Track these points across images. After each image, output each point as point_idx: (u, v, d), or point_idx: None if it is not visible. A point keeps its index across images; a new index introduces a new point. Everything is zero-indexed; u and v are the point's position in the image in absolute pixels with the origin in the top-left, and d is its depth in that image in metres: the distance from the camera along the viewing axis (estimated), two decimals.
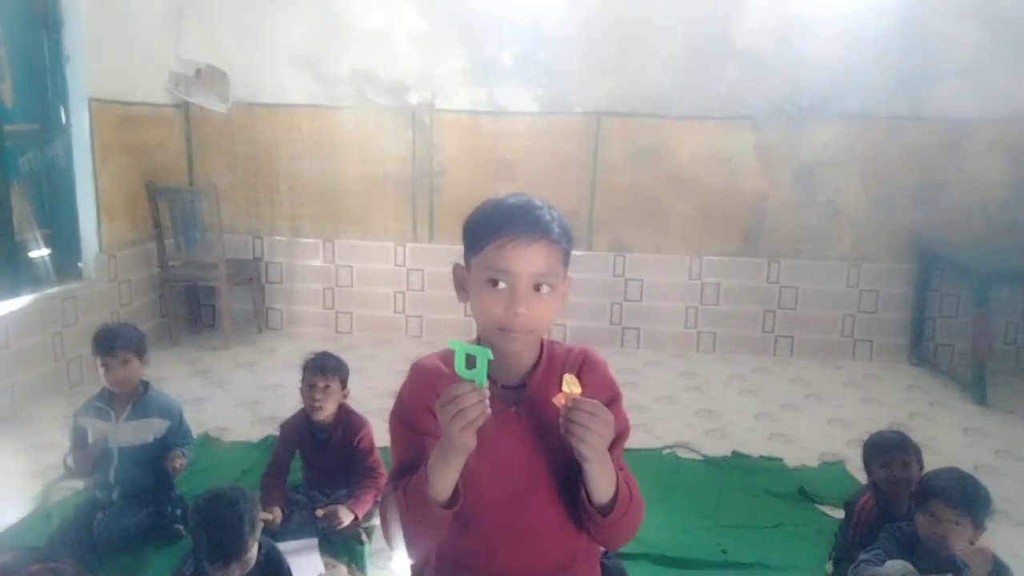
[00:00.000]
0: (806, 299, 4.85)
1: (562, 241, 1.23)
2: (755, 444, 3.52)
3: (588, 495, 1.20)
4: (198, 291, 5.02)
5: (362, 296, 5.10)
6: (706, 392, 4.24)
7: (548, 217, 1.22)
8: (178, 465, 2.46)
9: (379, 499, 2.57)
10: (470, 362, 1.10)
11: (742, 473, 3.22)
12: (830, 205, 4.75)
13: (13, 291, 3.73)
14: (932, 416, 3.92)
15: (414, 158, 4.97)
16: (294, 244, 5.09)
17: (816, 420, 3.86)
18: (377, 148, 4.97)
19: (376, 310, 5.10)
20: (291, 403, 2.80)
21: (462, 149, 4.94)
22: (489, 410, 1.09)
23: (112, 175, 4.33)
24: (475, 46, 4.82)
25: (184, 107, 4.96)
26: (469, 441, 1.09)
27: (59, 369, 3.87)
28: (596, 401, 1.14)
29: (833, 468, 3.28)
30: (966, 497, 2.00)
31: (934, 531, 2.00)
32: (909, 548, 2.05)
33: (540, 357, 1.29)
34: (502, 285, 1.18)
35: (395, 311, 5.10)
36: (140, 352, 2.48)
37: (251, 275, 4.95)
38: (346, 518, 2.46)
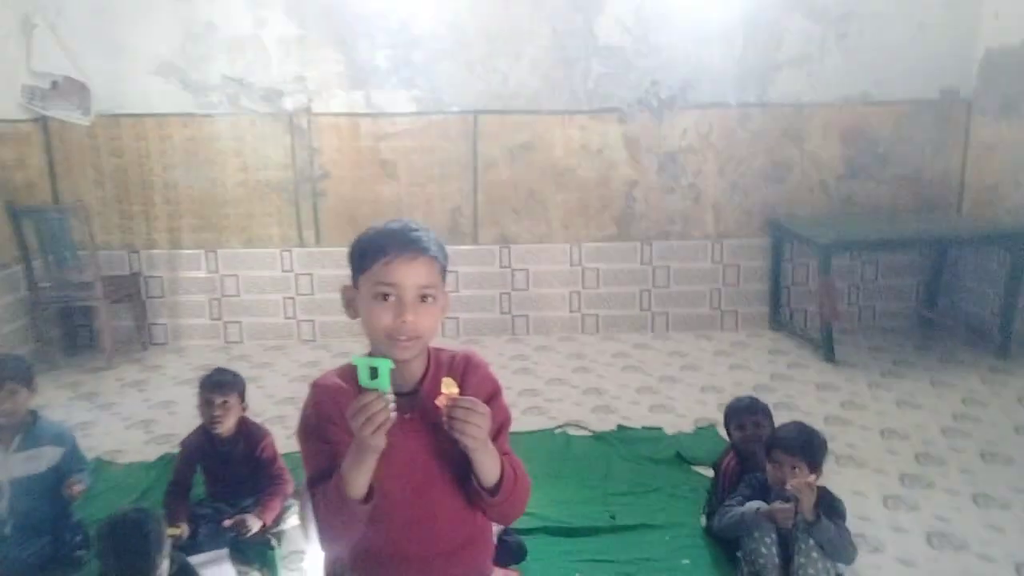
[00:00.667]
0: (677, 277, 5.22)
1: (439, 257, 1.41)
2: (638, 416, 3.81)
3: (477, 480, 1.38)
4: (73, 312, 4.82)
5: (250, 304, 5.07)
6: (593, 371, 4.52)
7: (426, 237, 1.41)
8: (75, 491, 2.44)
9: (287, 505, 2.70)
10: (372, 374, 1.25)
11: (626, 444, 3.50)
12: (692, 188, 5.13)
13: None
14: (790, 376, 4.36)
15: (294, 163, 4.97)
16: (174, 256, 4.98)
17: (691, 389, 4.20)
18: (255, 154, 4.93)
19: (266, 317, 5.08)
20: (185, 419, 2.83)
21: (343, 151, 4.98)
22: (395, 412, 1.26)
23: None
24: (348, 49, 4.86)
25: (42, 121, 4.74)
26: (380, 442, 1.25)
27: None
28: (471, 398, 1.32)
29: (706, 432, 3.61)
30: (801, 444, 2.34)
31: (777, 476, 2.34)
32: (763, 493, 2.38)
33: (428, 365, 1.46)
34: (391, 298, 1.35)
35: (286, 317, 5.10)
36: (28, 382, 2.45)
37: (130, 291, 4.81)
38: (254, 525, 2.53)
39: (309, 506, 1.39)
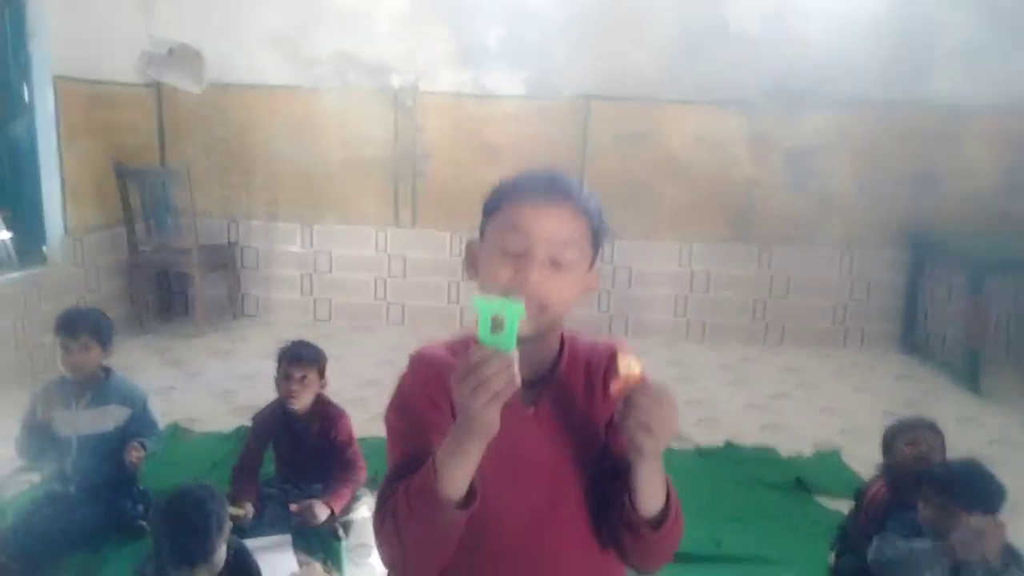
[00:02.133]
0: (797, 287, 4.76)
1: (590, 213, 1.06)
2: (747, 434, 3.43)
3: (632, 505, 1.00)
4: (170, 277, 4.83)
5: (342, 282, 4.94)
6: (695, 382, 4.14)
7: (577, 185, 1.07)
8: (134, 457, 2.29)
9: (358, 494, 2.48)
10: (495, 325, 0.90)
11: (735, 464, 3.12)
12: (822, 191, 4.66)
13: None
14: (925, 405, 3.83)
15: (396, 142, 4.82)
16: (271, 229, 4.92)
17: (808, 409, 3.78)
18: (358, 131, 4.81)
19: (356, 297, 4.94)
20: (266, 393, 2.65)
21: (446, 133, 4.79)
22: (518, 379, 0.89)
23: (79, 156, 4.13)
24: (460, 27, 4.67)
25: (156, 87, 4.76)
26: (493, 419, 0.89)
27: (20, 358, 3.67)
28: (662, 385, 0.95)
29: (829, 457, 3.19)
30: (965, 489, 1.90)
31: (928, 519, 1.91)
32: (918, 535, 1.95)
33: (561, 350, 1.12)
34: (516, 251, 1.02)
35: (376, 298, 4.95)
36: (104, 340, 2.33)
37: (225, 261, 4.77)
38: (322, 513, 2.32)
39: (386, 506, 1.00)
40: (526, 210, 1.02)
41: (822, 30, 4.48)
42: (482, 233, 1.10)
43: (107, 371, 2.42)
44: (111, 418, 2.33)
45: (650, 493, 1.00)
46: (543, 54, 4.65)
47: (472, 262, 1.11)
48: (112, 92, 4.44)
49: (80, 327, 2.29)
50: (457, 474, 0.93)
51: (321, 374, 2.53)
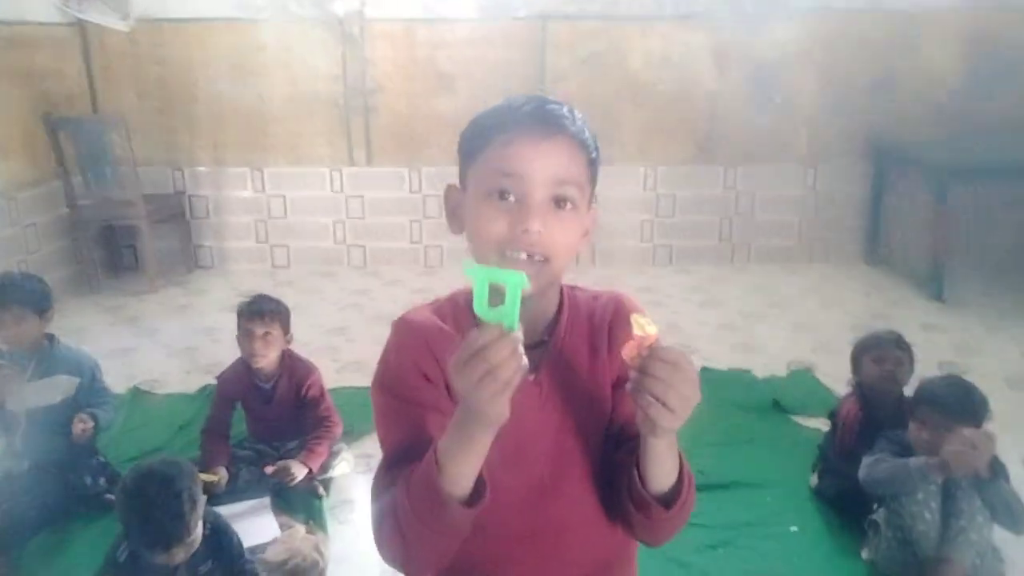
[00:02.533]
0: (763, 204, 4.72)
1: (588, 145, 0.94)
2: (721, 356, 3.42)
3: (643, 481, 0.91)
4: (115, 232, 4.57)
5: (298, 227, 4.76)
6: (667, 306, 4.12)
7: (569, 112, 0.94)
8: (79, 430, 2.15)
9: (335, 449, 2.41)
10: (494, 297, 0.79)
11: (711, 387, 3.08)
12: (785, 106, 4.57)
13: None
14: (891, 315, 3.88)
15: (345, 75, 4.57)
16: (219, 175, 4.68)
17: (780, 327, 3.78)
18: (304, 65, 4.55)
19: (315, 241, 4.77)
20: (230, 348, 2.54)
21: (397, 63, 4.56)
22: (527, 363, 0.78)
23: (2, 106, 3.83)
24: None
25: (79, 26, 4.41)
26: (503, 410, 0.78)
27: None
28: (679, 351, 0.83)
29: (803, 376, 3.20)
30: (960, 403, 1.91)
31: (923, 438, 1.92)
32: (907, 455, 1.96)
33: (560, 307, 1.01)
34: (511, 197, 0.89)
35: (335, 242, 4.78)
36: (40, 307, 2.18)
37: (174, 211, 4.54)
38: (299, 472, 2.25)
39: (383, 503, 0.90)
40: (517, 148, 0.89)
41: None
42: (462, 179, 0.97)
43: (51, 339, 2.27)
44: (58, 389, 2.18)
45: (662, 470, 0.90)
46: None
47: (454, 213, 0.98)
48: (31, 33, 4.10)
49: (11, 298, 2.14)
50: (463, 469, 0.83)
51: (285, 329, 2.41)
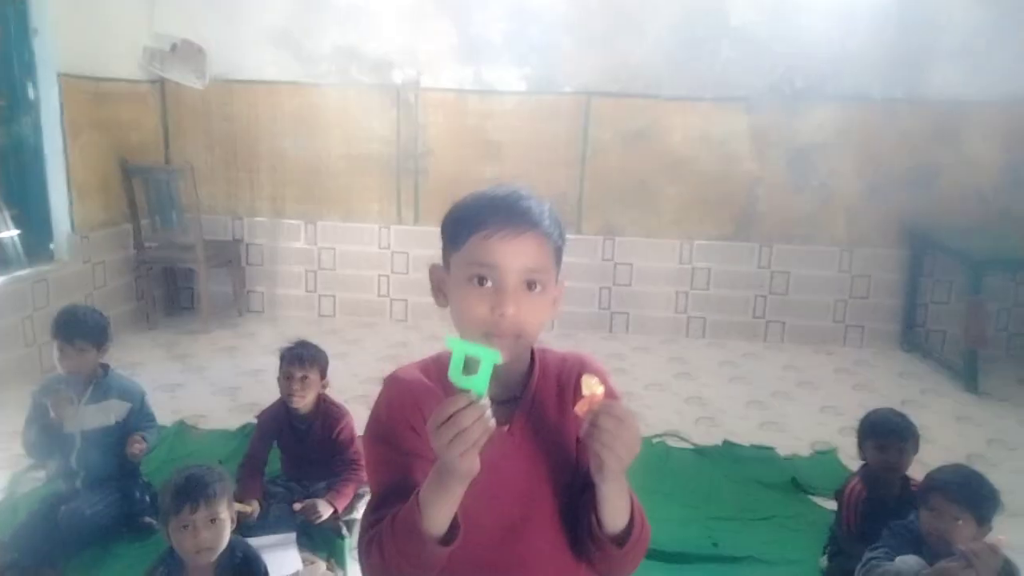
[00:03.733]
0: (798, 284, 4.78)
1: (554, 235, 1.09)
2: (746, 433, 3.45)
3: (599, 522, 1.04)
4: (175, 273, 4.87)
5: (345, 279, 4.98)
6: (696, 379, 4.17)
7: (538, 208, 1.09)
8: (136, 450, 2.35)
9: (360, 492, 2.52)
10: (468, 367, 0.93)
11: (733, 463, 3.15)
12: (823, 189, 4.67)
13: None
14: (924, 403, 3.87)
15: (399, 138, 4.83)
16: (275, 225, 4.95)
17: (808, 408, 3.79)
18: (360, 127, 4.83)
19: (360, 293, 4.98)
20: (272, 389, 2.69)
21: (448, 129, 4.81)
22: (493, 424, 0.92)
23: (84, 153, 4.17)
24: (462, 22, 4.67)
25: (159, 83, 4.78)
26: (472, 465, 0.93)
27: (30, 355, 3.72)
28: (624, 406, 0.98)
29: (825, 457, 3.22)
30: (969, 493, 1.93)
31: (936, 527, 1.93)
32: (915, 545, 1.98)
33: (532, 367, 1.15)
34: (488, 283, 1.05)
35: (379, 294, 4.98)
36: (99, 341, 2.38)
37: (230, 257, 4.81)
38: (325, 511, 2.37)
39: (370, 540, 1.03)
40: (494, 243, 1.04)
41: (823, 26, 4.47)
42: (445, 261, 1.13)
43: (105, 368, 2.47)
44: (112, 412, 2.38)
45: (615, 511, 1.03)
46: (544, 50, 4.66)
47: (439, 289, 1.15)
48: (116, 89, 4.47)
49: (75, 332, 2.34)
50: (440, 512, 0.96)
51: (322, 374, 2.56)
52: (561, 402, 1.15)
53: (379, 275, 4.97)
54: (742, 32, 4.53)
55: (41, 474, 2.63)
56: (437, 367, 1.15)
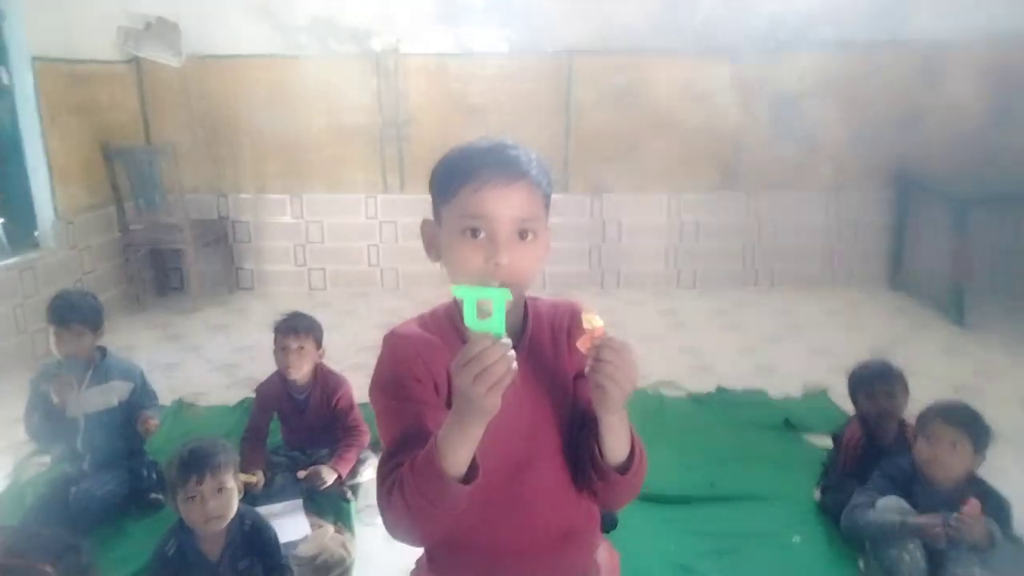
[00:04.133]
0: (786, 231, 4.82)
1: (542, 183, 1.12)
2: (739, 378, 3.51)
3: (601, 452, 1.10)
4: (163, 254, 4.85)
5: (334, 251, 4.98)
6: (689, 329, 4.22)
7: (526, 157, 1.11)
8: (150, 426, 2.40)
9: (363, 457, 2.56)
10: (481, 311, 0.95)
11: (727, 408, 3.21)
12: (809, 137, 4.68)
13: None
14: (913, 339, 3.94)
15: (380, 107, 4.80)
16: (260, 201, 4.93)
17: (799, 350, 3.86)
18: (341, 98, 4.79)
19: (350, 264, 4.99)
20: (268, 364, 2.72)
21: (430, 95, 4.78)
22: (516, 365, 0.94)
23: (63, 137, 4.13)
24: None
25: (135, 63, 4.72)
26: (495, 403, 0.94)
27: (21, 342, 3.73)
28: (623, 340, 1.02)
29: (816, 397, 3.28)
30: (966, 417, 1.99)
31: (930, 453, 1.98)
32: (904, 485, 2.04)
33: (525, 315, 1.19)
34: (481, 234, 1.07)
35: (369, 264, 4.99)
36: (95, 326, 2.40)
37: (218, 235, 4.80)
38: (329, 477, 2.41)
39: (389, 486, 1.05)
40: (485, 193, 1.06)
41: None
42: (436, 215, 1.15)
43: (102, 350, 2.48)
44: (115, 393, 2.41)
45: (617, 441, 1.09)
46: (524, 10, 4.61)
47: (431, 244, 1.16)
48: (92, 70, 4.41)
49: (71, 316, 2.35)
50: (460, 453, 0.98)
51: (318, 344, 2.59)
52: (555, 345, 1.19)
53: (368, 245, 4.97)
54: None
55: (44, 459, 2.67)
56: (434, 320, 1.18)
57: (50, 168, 4.02)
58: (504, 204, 1.06)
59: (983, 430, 1.98)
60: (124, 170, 4.40)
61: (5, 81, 3.88)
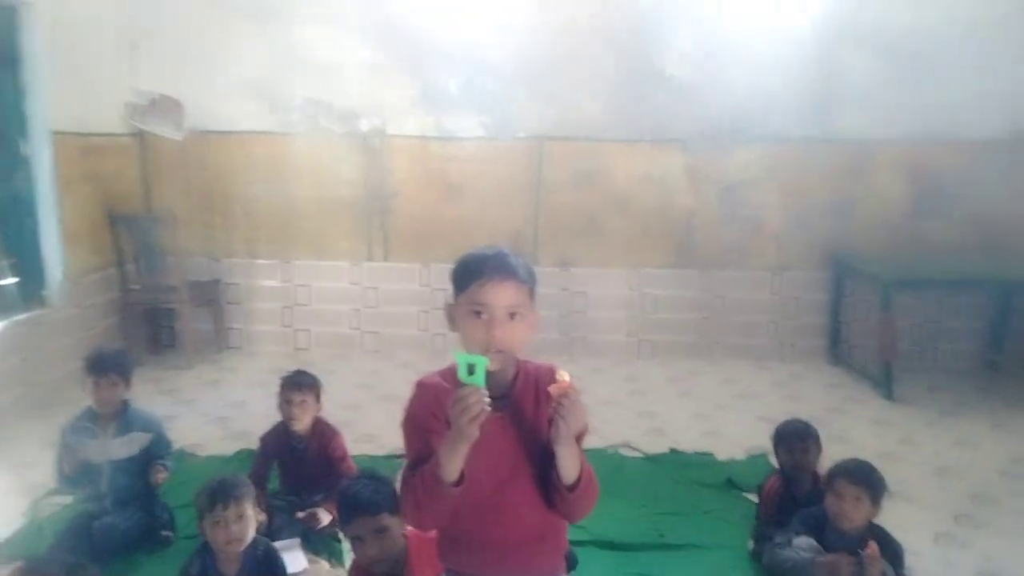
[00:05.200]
0: (735, 307, 5.27)
1: (527, 281, 1.57)
2: (690, 441, 3.88)
3: (558, 475, 1.52)
4: (158, 313, 5.14)
5: (319, 314, 5.31)
6: (647, 395, 4.59)
7: (516, 263, 1.56)
8: (160, 478, 2.70)
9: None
10: (470, 371, 1.40)
11: (678, 467, 3.58)
12: (753, 220, 5.19)
13: None
14: (846, 410, 4.35)
15: (366, 181, 5.21)
16: (251, 266, 5.27)
17: (745, 417, 4.23)
18: (330, 172, 5.19)
19: (333, 327, 5.32)
20: (258, 419, 3.02)
21: (413, 172, 5.20)
22: (489, 406, 1.39)
23: (74, 204, 4.46)
24: (423, 75, 5.09)
25: (140, 136, 5.09)
26: (474, 431, 1.39)
27: (29, 393, 3.99)
28: (577, 394, 1.47)
29: (758, 460, 3.65)
30: (864, 475, 2.38)
31: (840, 507, 2.37)
32: (816, 529, 2.42)
33: (517, 373, 1.60)
34: (483, 315, 1.50)
35: (351, 328, 5.33)
36: (126, 375, 2.71)
37: (210, 296, 5.11)
38: (325, 518, 2.72)
39: (409, 484, 1.53)
40: (486, 288, 1.51)
41: (746, 74, 5.00)
42: (456, 298, 1.59)
43: (126, 402, 2.78)
44: (137, 443, 2.71)
45: (568, 466, 1.51)
46: (500, 99, 5.10)
47: (451, 318, 1.61)
48: (102, 143, 4.78)
49: (109, 366, 2.67)
50: (452, 464, 1.44)
51: (317, 398, 2.92)
52: (537, 397, 1.60)
53: (351, 309, 5.31)
54: (676, 82, 5.05)
55: (60, 499, 2.93)
56: (451, 373, 1.60)
57: (61, 232, 4.33)
58: (499, 295, 1.51)
59: (880, 483, 2.38)
60: (127, 234, 4.73)
61: (24, 152, 4.21)
